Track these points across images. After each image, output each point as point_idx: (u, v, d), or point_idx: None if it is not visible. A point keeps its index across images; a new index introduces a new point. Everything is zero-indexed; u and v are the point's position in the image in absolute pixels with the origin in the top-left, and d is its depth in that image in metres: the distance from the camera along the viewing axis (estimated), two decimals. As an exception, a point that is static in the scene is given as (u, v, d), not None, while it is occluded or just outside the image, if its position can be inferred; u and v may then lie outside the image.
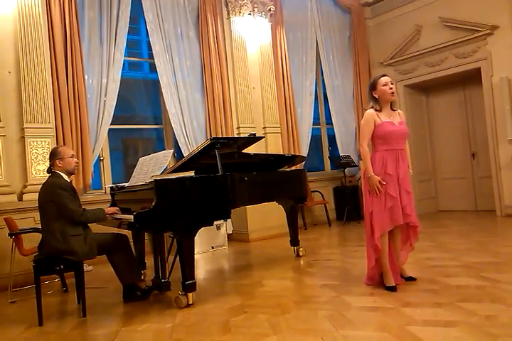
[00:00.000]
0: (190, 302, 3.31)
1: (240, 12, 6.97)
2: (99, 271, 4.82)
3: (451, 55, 7.48)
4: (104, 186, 5.79)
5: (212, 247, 5.87)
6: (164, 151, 3.87)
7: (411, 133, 8.08)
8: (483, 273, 3.56)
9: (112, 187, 4.48)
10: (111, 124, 5.71)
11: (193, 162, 3.94)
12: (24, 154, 4.92)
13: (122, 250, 3.60)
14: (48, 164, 4.88)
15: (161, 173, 3.62)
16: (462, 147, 8.14)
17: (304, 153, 7.55)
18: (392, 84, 3.42)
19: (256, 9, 7.13)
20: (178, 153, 6.36)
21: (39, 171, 4.95)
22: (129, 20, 5.89)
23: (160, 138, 6.90)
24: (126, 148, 8.53)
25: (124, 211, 3.75)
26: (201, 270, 4.78)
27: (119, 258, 3.57)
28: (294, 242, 4.97)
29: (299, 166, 6.51)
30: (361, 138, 3.48)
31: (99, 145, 5.58)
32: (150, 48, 6.29)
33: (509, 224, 6.35)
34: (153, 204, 3.19)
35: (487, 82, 7.10)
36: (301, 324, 2.76)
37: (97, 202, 5.20)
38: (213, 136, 6.35)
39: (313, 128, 7.93)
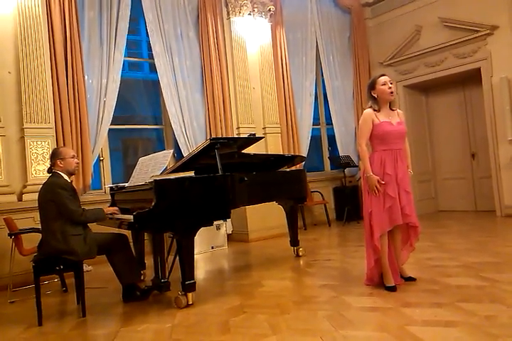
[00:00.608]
0: (190, 303, 3.31)
1: (239, 12, 6.97)
2: (99, 271, 4.82)
3: (451, 56, 7.48)
4: (103, 186, 5.79)
5: (212, 247, 5.87)
6: (164, 151, 3.87)
7: (411, 133, 8.09)
8: (482, 274, 3.56)
9: (111, 187, 4.48)
10: (111, 124, 5.71)
11: (192, 162, 3.94)
12: (24, 154, 4.93)
13: (122, 250, 3.60)
14: (48, 164, 4.91)
15: (161, 173, 3.62)
16: (462, 147, 8.13)
17: (304, 153, 7.54)
18: (391, 83, 3.42)
19: (256, 9, 7.13)
20: (178, 153, 6.36)
21: (39, 171, 4.95)
22: (128, 20, 5.89)
23: (160, 139, 6.90)
24: (126, 149, 8.53)
25: (123, 211, 3.75)
26: (201, 270, 4.78)
27: (118, 258, 3.57)
28: (294, 242, 4.97)
29: (299, 166, 6.51)
30: (359, 137, 3.48)
31: (99, 146, 5.58)
32: (150, 48, 6.30)
33: (509, 224, 6.35)
34: (153, 204, 3.19)
35: (487, 82, 7.10)
36: (300, 324, 2.75)
37: (96, 202, 5.20)
38: (213, 136, 6.36)
39: (313, 129, 7.93)
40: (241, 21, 7.00)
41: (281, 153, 6.88)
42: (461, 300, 2.93)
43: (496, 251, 4.47)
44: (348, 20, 8.69)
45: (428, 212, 8.06)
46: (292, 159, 5.12)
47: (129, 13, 5.89)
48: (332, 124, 8.22)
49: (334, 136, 8.21)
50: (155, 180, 3.24)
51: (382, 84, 3.40)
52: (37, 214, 3.58)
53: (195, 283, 3.36)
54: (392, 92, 3.40)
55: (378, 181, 3.33)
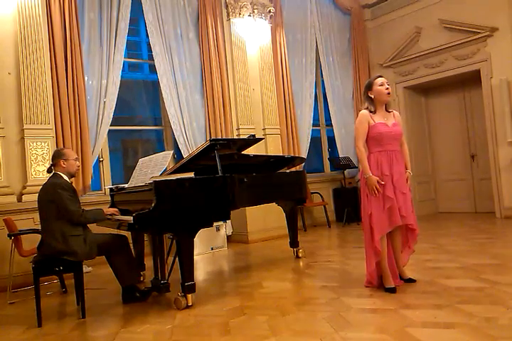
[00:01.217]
0: (190, 304, 3.31)
1: (239, 13, 6.98)
2: (99, 272, 4.82)
3: (450, 57, 7.49)
4: (103, 187, 5.79)
5: (212, 248, 5.87)
6: (164, 152, 3.87)
7: (411, 134, 8.14)
8: (482, 275, 3.56)
9: (111, 188, 4.48)
10: (111, 125, 5.71)
11: (192, 163, 3.94)
12: (24, 155, 4.93)
13: (122, 251, 3.60)
14: (48, 164, 4.91)
15: (161, 174, 3.62)
16: (462, 149, 8.14)
17: (304, 154, 7.55)
18: (388, 85, 3.43)
19: (256, 11, 7.14)
20: (177, 154, 6.37)
21: (38, 172, 4.95)
22: (128, 21, 5.89)
23: (160, 139, 6.91)
24: (125, 149, 8.53)
25: (123, 212, 3.75)
26: (201, 271, 4.78)
27: (118, 259, 3.57)
28: (294, 244, 4.97)
29: (299, 167, 6.52)
30: (356, 139, 3.48)
31: (99, 147, 5.58)
32: (150, 49, 6.30)
33: (508, 225, 6.35)
34: (153, 205, 3.19)
35: (486, 83, 7.11)
36: (300, 325, 2.75)
37: (96, 203, 5.19)
38: (213, 137, 6.36)
39: (312, 130, 7.94)
40: (241, 22, 7.01)
41: (281, 154, 6.88)
42: (461, 301, 2.93)
43: (495, 252, 4.48)
44: (348, 21, 8.71)
45: (428, 214, 8.07)
46: (292, 160, 5.12)
47: (129, 14, 5.90)
48: (332, 125, 8.24)
49: (334, 137, 8.23)
50: (155, 181, 3.24)
51: (380, 85, 3.41)
52: (37, 215, 3.58)
53: (194, 284, 3.35)
54: (389, 93, 3.41)
55: (378, 182, 3.33)
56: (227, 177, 3.62)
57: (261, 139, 4.63)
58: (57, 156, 3.56)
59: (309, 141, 7.82)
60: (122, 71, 5.85)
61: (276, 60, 7.45)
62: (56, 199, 3.32)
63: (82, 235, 3.37)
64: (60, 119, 5.19)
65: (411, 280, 3.49)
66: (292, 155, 7.08)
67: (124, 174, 7.27)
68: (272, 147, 7.13)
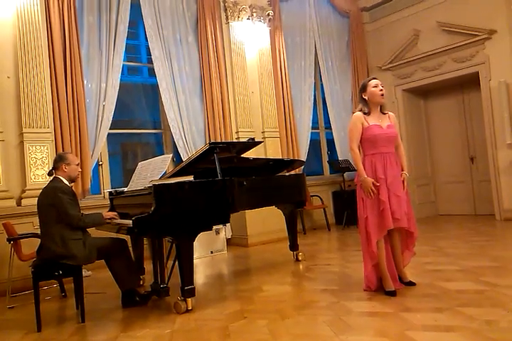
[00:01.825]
0: (189, 308, 3.30)
1: (238, 17, 7.00)
2: (98, 276, 4.81)
3: (449, 60, 7.50)
4: (102, 191, 5.78)
5: (212, 252, 5.86)
6: (163, 156, 3.87)
7: (410, 137, 8.14)
8: (482, 278, 3.55)
9: (110, 192, 4.48)
10: (110, 129, 5.70)
11: (192, 166, 3.93)
12: (23, 159, 4.92)
13: (121, 255, 3.59)
14: (47, 168, 4.92)
15: (160, 178, 3.61)
16: (461, 151, 8.15)
17: (303, 157, 7.55)
18: (382, 87, 3.43)
19: (254, 14, 7.16)
20: (177, 157, 6.36)
21: (38, 176, 4.94)
22: (128, 25, 5.90)
23: (159, 143, 6.91)
24: (125, 153, 8.53)
25: (122, 216, 3.74)
26: (200, 275, 4.77)
27: (117, 263, 3.56)
28: (293, 247, 4.96)
29: (298, 170, 6.52)
30: (350, 141, 3.47)
31: (98, 150, 5.58)
32: (149, 53, 6.30)
33: (508, 228, 6.35)
34: (152, 209, 3.18)
35: (485, 86, 7.13)
36: (300, 329, 2.75)
37: (95, 206, 5.18)
38: (212, 140, 6.36)
39: (312, 133, 7.94)
40: (240, 26, 7.02)
41: (281, 158, 6.88)
42: (461, 304, 2.93)
43: (495, 255, 4.47)
44: (347, 24, 8.73)
45: (427, 216, 8.06)
46: (291, 163, 5.12)
47: (128, 18, 5.90)
48: (331, 128, 8.25)
49: (333, 140, 8.23)
50: (154, 185, 3.24)
51: (374, 87, 3.41)
52: (36, 219, 3.57)
53: (194, 288, 3.35)
54: (382, 95, 3.41)
55: (373, 183, 3.32)
56: (226, 180, 3.62)
57: (260, 142, 4.63)
58: (59, 160, 3.56)
59: (308, 143, 7.82)
60: (121, 74, 5.86)
61: (275, 63, 7.45)
62: (56, 203, 3.32)
63: (81, 239, 3.37)
64: (59, 123, 5.19)
65: (411, 284, 3.48)
66: (292, 158, 7.08)
67: (124, 177, 7.27)
68: (271, 150, 7.13)
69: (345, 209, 7.43)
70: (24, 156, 4.91)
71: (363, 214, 3.44)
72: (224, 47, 6.89)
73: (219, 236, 5.96)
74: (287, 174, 5.07)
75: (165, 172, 3.78)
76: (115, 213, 3.77)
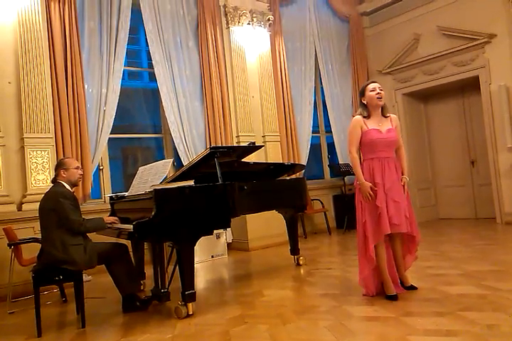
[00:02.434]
0: (190, 313, 3.29)
1: (238, 22, 7.02)
2: (98, 281, 4.80)
3: (449, 64, 7.52)
4: (103, 195, 5.78)
5: (212, 256, 5.85)
6: (164, 160, 3.88)
7: (410, 141, 8.15)
8: (484, 282, 3.54)
9: (111, 197, 4.48)
10: (110, 133, 5.71)
11: (192, 171, 3.93)
12: (24, 164, 4.92)
13: (122, 260, 3.59)
14: (47, 173, 4.93)
15: (161, 182, 3.62)
16: (461, 155, 8.15)
17: (304, 161, 7.56)
18: (380, 90, 3.43)
19: (255, 19, 7.19)
20: (177, 161, 6.37)
21: (38, 181, 4.94)
22: (128, 30, 5.92)
23: (159, 147, 6.91)
24: (125, 157, 8.53)
25: (123, 220, 3.74)
26: (201, 279, 4.76)
27: (118, 268, 3.56)
28: (294, 251, 4.95)
29: (299, 174, 6.52)
30: (349, 145, 3.47)
31: (99, 155, 5.58)
32: (150, 58, 6.32)
33: (509, 231, 6.33)
34: (153, 213, 3.18)
35: (485, 90, 7.14)
36: (301, 334, 2.74)
37: (96, 211, 5.18)
38: (213, 144, 6.37)
39: (312, 137, 7.95)
40: (240, 31, 7.05)
41: (281, 162, 6.89)
42: (463, 309, 2.92)
43: (497, 259, 4.46)
44: (347, 29, 8.76)
45: (428, 220, 8.05)
46: (292, 167, 5.12)
47: (129, 23, 5.93)
48: (331, 132, 8.26)
49: (334, 143, 8.24)
50: (155, 190, 3.24)
51: (371, 91, 3.41)
52: (37, 224, 3.57)
53: (195, 292, 3.34)
54: (380, 97, 3.40)
55: (371, 188, 3.32)
56: (227, 184, 3.62)
57: (261, 146, 4.63)
58: (57, 166, 3.59)
59: (309, 147, 7.83)
60: (122, 79, 5.87)
61: (276, 68, 7.48)
62: (57, 208, 3.32)
63: (82, 244, 3.37)
64: (60, 128, 5.20)
65: (412, 288, 3.47)
66: (292, 162, 7.09)
67: (124, 182, 7.26)
68: (271, 154, 7.14)
69: (346, 213, 7.42)
70: (25, 161, 4.92)
71: (361, 218, 3.43)
72: (224, 52, 6.91)
73: (220, 241, 5.95)
74: (288, 178, 5.07)
75: (166, 176, 3.78)
76: (116, 218, 3.77)
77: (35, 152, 4.98)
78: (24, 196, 4.90)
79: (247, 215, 5.47)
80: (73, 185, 3.61)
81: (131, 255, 3.91)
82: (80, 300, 3.35)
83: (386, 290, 3.33)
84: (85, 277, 4.66)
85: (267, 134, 7.22)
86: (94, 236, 3.66)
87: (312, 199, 7.43)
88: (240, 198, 3.77)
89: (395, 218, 3.28)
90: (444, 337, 2.47)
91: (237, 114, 6.91)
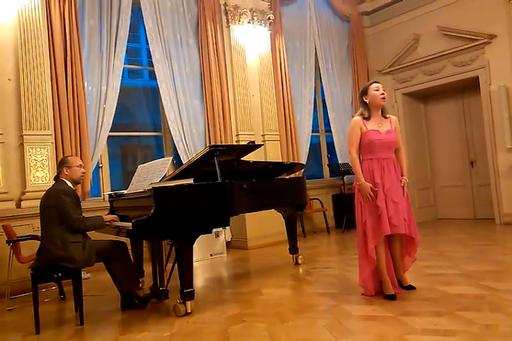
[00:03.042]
0: (189, 311, 3.29)
1: (239, 20, 7.02)
2: (97, 279, 4.80)
3: (449, 64, 7.52)
4: (102, 193, 5.78)
5: (211, 255, 5.85)
6: (163, 158, 3.87)
7: (410, 141, 8.15)
8: (482, 282, 3.55)
9: (110, 195, 4.48)
10: (110, 131, 5.71)
11: (192, 169, 3.93)
12: (23, 161, 4.92)
13: (120, 257, 3.59)
14: (46, 171, 4.92)
15: (160, 180, 3.61)
16: (461, 155, 8.15)
17: (303, 160, 7.55)
18: (383, 90, 3.43)
19: (255, 18, 7.18)
20: (177, 160, 6.36)
21: (38, 178, 4.94)
22: (128, 28, 5.92)
23: (159, 146, 6.90)
24: (125, 155, 8.52)
25: (122, 218, 3.74)
26: (200, 278, 4.76)
27: (117, 265, 3.56)
28: (293, 250, 4.95)
29: (298, 174, 6.51)
30: (349, 145, 3.48)
31: (98, 152, 5.58)
32: (150, 56, 6.31)
33: (508, 232, 6.34)
34: (152, 211, 3.18)
35: (485, 90, 7.14)
36: (300, 333, 2.74)
37: (95, 209, 5.18)
38: (212, 143, 6.36)
39: (312, 136, 7.95)
40: (240, 29, 7.04)
41: (281, 161, 6.89)
42: (461, 308, 2.92)
43: (495, 259, 4.47)
44: (347, 28, 8.75)
45: (427, 220, 8.06)
46: (291, 166, 5.12)
47: (129, 22, 5.92)
48: (331, 132, 8.25)
49: (333, 143, 8.24)
50: (154, 188, 3.24)
51: (375, 90, 3.41)
52: (35, 222, 3.58)
53: (193, 291, 3.34)
54: (384, 98, 3.40)
55: (371, 188, 3.32)
56: (226, 183, 3.61)
57: (260, 145, 4.63)
58: (60, 164, 3.60)
59: (309, 147, 7.83)
60: (122, 77, 5.87)
61: (276, 67, 7.47)
62: (58, 205, 3.32)
63: (81, 242, 3.37)
64: (59, 125, 5.20)
65: (411, 288, 3.47)
66: (292, 161, 7.09)
67: (124, 180, 7.24)
68: (271, 153, 7.14)
69: (345, 212, 7.41)
70: (24, 158, 4.91)
71: (361, 218, 3.44)
72: (224, 51, 6.91)
73: (218, 239, 5.95)
74: (287, 177, 5.07)
75: (165, 174, 3.78)
76: (115, 216, 3.77)
77: (34, 149, 4.97)
78: (23, 193, 4.89)
79: (246, 214, 5.46)
80: (75, 182, 3.61)
81: (130, 253, 3.91)
82: (78, 297, 3.35)
83: (384, 289, 3.34)
84: (84, 275, 4.65)
85: (266, 133, 7.22)
86: (93, 234, 3.66)
87: (311, 199, 7.44)
88: (239, 197, 3.77)
89: (394, 219, 3.28)
90: (442, 337, 2.48)
91: (236, 112, 6.91)
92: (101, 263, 3.54)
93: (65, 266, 3.28)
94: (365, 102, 3.46)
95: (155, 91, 6.54)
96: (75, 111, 5.32)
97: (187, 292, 3.29)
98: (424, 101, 8.65)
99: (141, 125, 7.93)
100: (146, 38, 6.23)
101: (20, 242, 4.13)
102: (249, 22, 7.13)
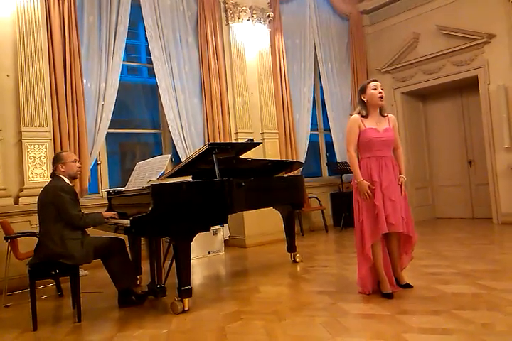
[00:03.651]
0: (186, 308, 3.29)
1: (238, 18, 7.00)
2: (95, 276, 4.80)
3: (448, 63, 7.52)
4: (101, 190, 5.77)
5: (209, 252, 5.86)
6: (162, 156, 3.87)
7: (408, 140, 8.15)
8: (479, 281, 3.56)
9: (108, 192, 4.47)
10: (109, 128, 5.70)
11: (190, 167, 3.93)
12: (21, 158, 4.91)
13: (118, 254, 3.58)
14: (45, 168, 4.92)
15: (159, 178, 3.61)
16: (459, 154, 8.16)
17: (302, 159, 7.55)
18: (382, 89, 3.43)
19: (255, 16, 7.17)
20: (175, 157, 6.36)
21: (36, 175, 4.93)
22: (128, 25, 5.90)
23: (158, 143, 6.90)
24: (123, 153, 8.51)
25: (120, 215, 3.74)
26: (197, 275, 4.77)
27: (115, 262, 3.55)
28: (291, 248, 4.96)
29: (297, 172, 6.52)
30: (347, 144, 3.47)
31: (97, 150, 5.57)
32: (149, 53, 6.30)
33: (505, 231, 6.36)
34: (150, 208, 3.18)
35: (484, 90, 7.14)
36: (297, 331, 2.74)
37: (93, 206, 5.17)
38: (211, 141, 6.36)
39: (311, 134, 7.94)
40: (240, 27, 7.03)
41: (279, 159, 6.88)
42: (458, 307, 2.93)
43: (492, 258, 4.48)
44: (347, 27, 8.74)
45: (425, 219, 8.06)
46: (290, 165, 5.13)
47: (129, 18, 5.90)
48: (330, 130, 8.26)
49: (332, 142, 8.24)
50: (152, 185, 3.24)
51: (373, 89, 3.40)
52: (33, 218, 3.57)
53: (191, 288, 3.34)
54: (381, 97, 3.40)
55: (369, 187, 3.32)
56: (224, 181, 3.61)
57: (259, 143, 4.63)
58: (55, 161, 3.57)
59: (307, 145, 7.83)
60: (121, 74, 5.85)
61: (275, 65, 7.46)
62: (57, 202, 3.31)
63: (79, 239, 3.36)
64: (58, 122, 5.19)
65: (408, 286, 3.48)
66: (290, 159, 7.09)
67: (122, 177, 7.24)
68: (270, 151, 7.13)
69: (343, 211, 7.43)
70: (22, 155, 4.91)
71: (358, 217, 3.44)
72: (224, 48, 6.89)
73: (217, 237, 5.96)
74: (286, 175, 5.07)
75: (163, 172, 3.78)
76: (115, 212, 3.78)
77: (32, 146, 4.96)
78: (21, 190, 4.89)
79: (244, 212, 5.47)
80: (72, 178, 3.61)
81: (128, 250, 3.91)
82: (76, 294, 3.35)
83: (382, 288, 3.34)
84: (81, 272, 4.66)
85: (265, 131, 7.21)
86: (91, 231, 3.66)
87: (309, 197, 7.44)
88: (237, 195, 3.77)
89: (392, 217, 3.28)
90: (439, 335, 2.48)
91: (235, 110, 6.90)
92: (99, 260, 3.54)
93: (62, 263, 3.27)
94: (364, 101, 3.45)
95: (154, 89, 6.53)
96: (73, 108, 5.31)
97: (185, 289, 3.29)
98: (423, 101, 8.65)
99: (139, 122, 7.92)
100: (146, 35, 6.21)
101: (18, 239, 4.13)
102: (248, 20, 7.12)
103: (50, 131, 5.12)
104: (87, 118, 5.45)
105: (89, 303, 3.69)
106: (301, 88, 7.89)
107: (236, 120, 6.89)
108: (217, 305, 3.45)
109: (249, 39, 7.15)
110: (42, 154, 4.99)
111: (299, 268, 4.70)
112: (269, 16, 7.33)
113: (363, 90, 3.46)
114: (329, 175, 8.41)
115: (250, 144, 4.44)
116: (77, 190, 5.21)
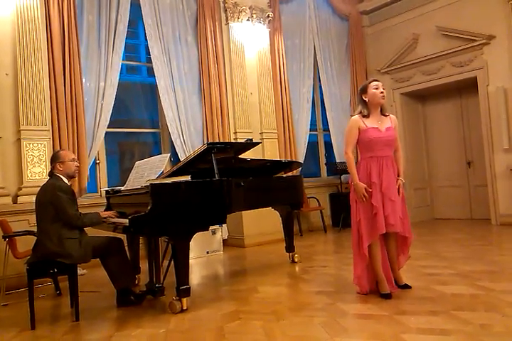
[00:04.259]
0: (185, 308, 3.29)
1: (238, 18, 7.00)
2: (93, 275, 4.79)
3: (447, 64, 7.53)
4: (99, 189, 5.77)
5: (207, 252, 5.85)
6: (161, 155, 3.86)
7: (407, 141, 8.16)
8: (478, 282, 3.56)
9: (107, 191, 4.47)
10: (108, 127, 5.69)
11: (189, 166, 3.93)
12: (20, 156, 4.90)
13: (117, 254, 3.58)
14: (43, 166, 4.91)
15: (157, 177, 3.61)
16: (458, 155, 8.17)
17: (301, 159, 7.55)
18: (383, 88, 3.43)
19: (254, 15, 7.16)
20: (174, 157, 6.35)
21: (34, 174, 4.92)
22: (127, 24, 5.90)
23: (157, 142, 6.90)
24: (122, 152, 8.51)
25: (119, 215, 3.73)
26: (196, 275, 4.76)
27: (113, 262, 3.55)
28: (290, 248, 4.96)
29: (296, 172, 6.51)
30: (345, 145, 3.48)
31: (96, 149, 5.56)
32: (148, 52, 6.30)
33: (504, 232, 6.36)
34: (149, 208, 3.18)
35: (483, 91, 7.15)
36: (295, 331, 2.74)
37: (92, 205, 5.17)
38: (210, 140, 6.36)
39: (310, 135, 7.95)
40: (239, 27, 7.03)
41: (278, 159, 6.88)
42: (456, 308, 2.93)
43: (491, 259, 4.48)
44: (346, 27, 8.75)
45: (423, 220, 8.07)
46: (289, 165, 5.13)
47: (128, 17, 5.90)
48: (329, 131, 8.26)
49: (331, 142, 8.24)
50: (151, 184, 3.24)
51: (374, 88, 3.40)
52: (32, 217, 3.56)
53: (189, 288, 3.34)
54: (383, 96, 3.40)
55: (365, 189, 3.32)
56: (223, 180, 3.61)
57: (258, 143, 4.63)
58: (53, 160, 3.55)
59: (306, 145, 7.83)
60: (120, 73, 5.85)
61: (275, 65, 7.46)
62: (55, 202, 3.30)
63: (77, 238, 3.35)
64: (57, 121, 5.18)
65: (406, 287, 3.48)
66: (289, 159, 7.09)
67: (121, 176, 7.24)
68: (269, 151, 7.13)
69: (342, 211, 7.42)
70: (21, 154, 4.90)
71: (355, 217, 3.43)
72: (223, 48, 6.89)
73: (215, 237, 5.95)
74: (285, 175, 5.07)
75: (162, 171, 3.77)
76: (112, 212, 3.77)
77: (31, 144, 4.95)
78: (20, 189, 4.88)
79: (243, 212, 5.47)
80: (70, 177, 3.59)
81: (127, 249, 3.91)
82: (74, 293, 3.35)
83: (380, 288, 3.34)
84: (80, 271, 4.65)
85: (264, 131, 7.21)
86: (89, 230, 3.65)
87: (308, 197, 7.44)
88: (236, 194, 3.77)
89: (391, 217, 3.28)
90: (437, 336, 2.48)
91: (235, 110, 6.90)
92: (97, 259, 3.53)
93: (61, 262, 3.26)
94: (365, 100, 3.45)
95: (153, 88, 6.53)
96: (72, 107, 5.29)
97: (183, 289, 3.29)
98: (422, 101, 8.66)
99: (139, 122, 7.92)
100: (145, 35, 6.21)
101: (17, 238, 4.12)
102: (248, 19, 7.12)
103: (48, 130, 5.11)
104: (86, 117, 5.44)
105: (87, 302, 3.68)
106: (301, 88, 7.89)
107: (235, 120, 6.89)
108: (216, 305, 3.45)
109: (249, 39, 7.14)
110: (41, 153, 4.99)
111: (297, 269, 4.70)
112: (268, 16, 7.33)
113: (364, 90, 3.46)
114: (328, 176, 8.41)
115: (249, 144, 4.44)
116: (76, 189, 5.20)
